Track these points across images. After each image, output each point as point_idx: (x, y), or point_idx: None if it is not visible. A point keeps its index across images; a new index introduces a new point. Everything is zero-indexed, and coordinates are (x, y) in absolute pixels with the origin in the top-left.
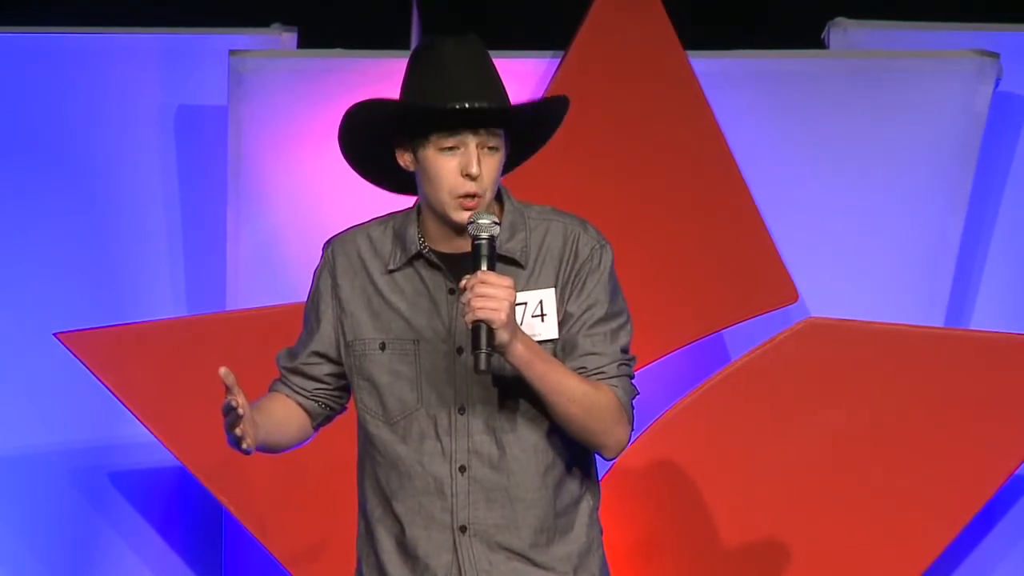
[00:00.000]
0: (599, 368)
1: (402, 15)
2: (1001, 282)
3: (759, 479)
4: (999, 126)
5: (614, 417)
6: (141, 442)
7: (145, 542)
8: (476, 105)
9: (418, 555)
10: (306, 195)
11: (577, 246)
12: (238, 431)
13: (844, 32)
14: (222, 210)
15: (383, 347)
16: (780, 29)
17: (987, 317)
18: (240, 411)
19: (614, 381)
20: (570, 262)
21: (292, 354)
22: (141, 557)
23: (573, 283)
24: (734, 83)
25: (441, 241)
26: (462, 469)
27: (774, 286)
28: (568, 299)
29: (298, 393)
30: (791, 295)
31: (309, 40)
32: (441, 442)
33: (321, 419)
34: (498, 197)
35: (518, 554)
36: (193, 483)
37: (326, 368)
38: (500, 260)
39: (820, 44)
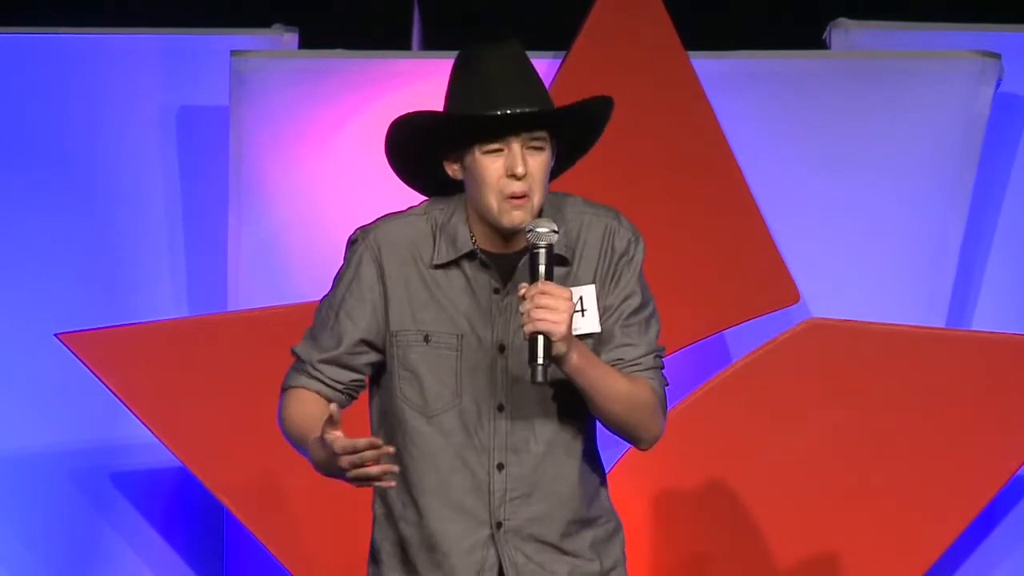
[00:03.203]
0: (636, 360)
1: (403, 15)
2: (1002, 283)
3: (760, 480)
4: (1000, 127)
5: (652, 411)
6: (142, 443)
7: (146, 542)
8: (515, 111)
9: (449, 550)
10: (307, 195)
11: (613, 240)
12: (377, 470)
13: (845, 33)
14: (223, 210)
15: (427, 339)
16: (781, 29)
17: (988, 318)
18: (368, 453)
19: (650, 374)
20: (608, 256)
21: (322, 345)
22: (142, 557)
23: (611, 276)
24: (736, 84)
25: (488, 241)
26: (499, 466)
27: (775, 287)
28: (606, 292)
29: (330, 386)
30: (792, 296)
31: (310, 40)
32: (479, 438)
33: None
34: None
35: (549, 544)
36: (194, 483)
37: (368, 357)
38: None
39: (821, 45)
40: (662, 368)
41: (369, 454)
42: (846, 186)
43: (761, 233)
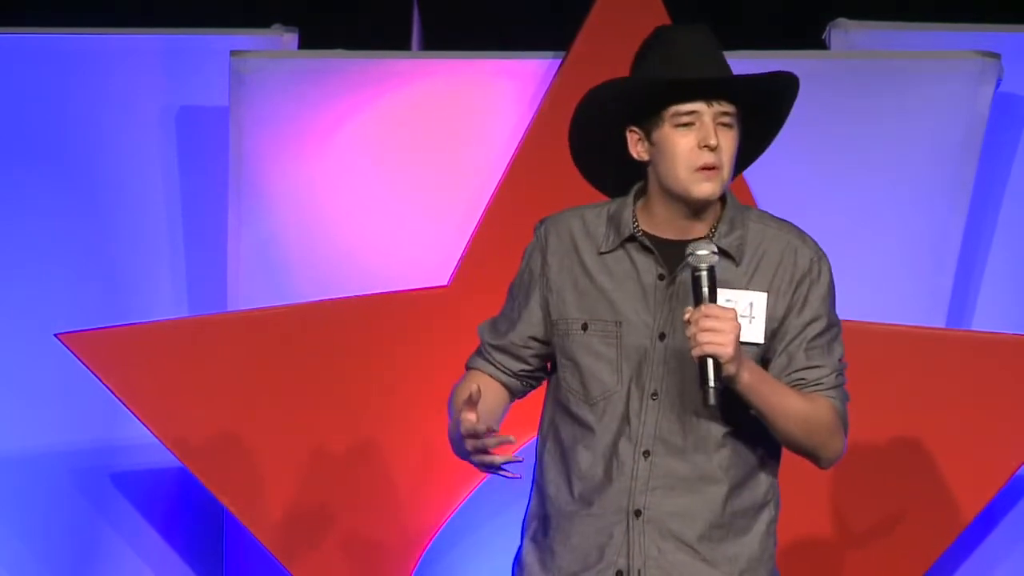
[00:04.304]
0: (818, 380)
1: (402, 16)
2: (1003, 283)
3: None
4: (1000, 127)
5: (831, 430)
6: (142, 443)
7: (146, 543)
8: (710, 76)
9: (586, 533)
10: (307, 195)
11: (796, 256)
12: (501, 458)
13: (845, 33)
14: (223, 211)
15: (585, 327)
16: (781, 30)
17: (988, 318)
18: (490, 441)
19: (832, 392)
20: (788, 271)
21: (498, 330)
22: (142, 558)
23: (795, 295)
24: None
25: (658, 227)
26: (646, 454)
27: None
28: (787, 310)
29: (502, 372)
30: None
31: (310, 41)
32: (630, 424)
33: (519, 396)
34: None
35: (687, 545)
36: (194, 484)
37: (536, 350)
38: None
39: (821, 45)
40: (844, 384)
41: (491, 441)
42: (846, 186)
43: None
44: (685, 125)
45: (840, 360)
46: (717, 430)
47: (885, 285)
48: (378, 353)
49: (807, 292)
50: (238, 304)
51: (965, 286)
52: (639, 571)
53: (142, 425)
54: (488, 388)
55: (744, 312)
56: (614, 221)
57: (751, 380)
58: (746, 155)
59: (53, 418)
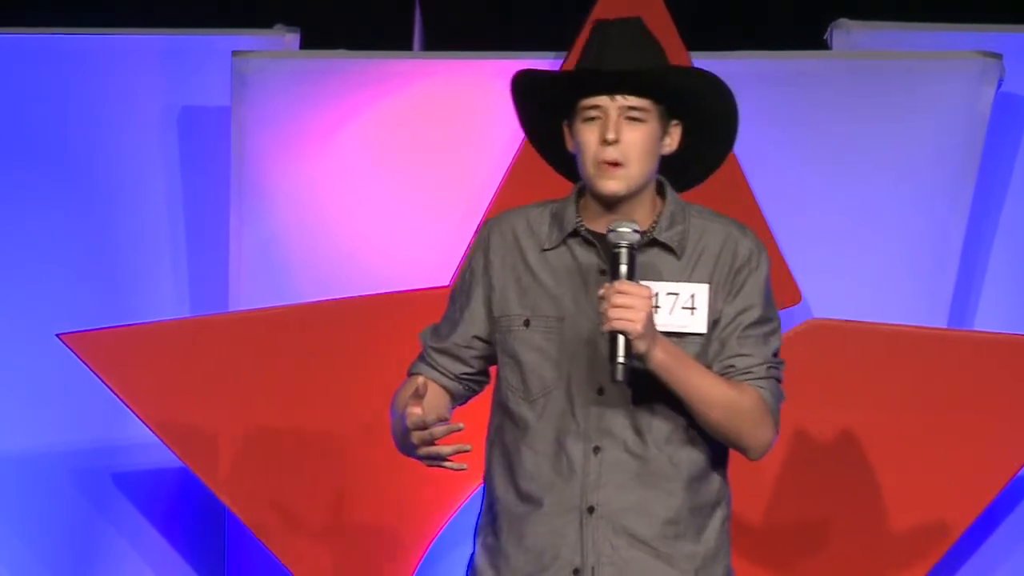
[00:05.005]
0: (748, 368)
1: (404, 16)
2: (1004, 283)
3: (761, 480)
4: (1002, 127)
5: (757, 419)
6: (144, 443)
7: (148, 543)
8: (600, 68)
9: (540, 533)
10: (309, 196)
11: (736, 248)
12: (449, 449)
13: (847, 33)
14: (225, 211)
15: (527, 324)
16: (782, 30)
17: (990, 318)
18: (438, 430)
19: (761, 383)
20: (728, 262)
21: (439, 334)
22: (144, 558)
23: (732, 284)
24: (736, 84)
25: (599, 221)
26: (596, 450)
27: (777, 287)
28: (724, 300)
29: (444, 375)
30: (794, 296)
31: (312, 41)
32: (577, 421)
33: (461, 401)
34: (660, 191)
35: (642, 542)
36: (196, 484)
37: (478, 351)
38: (658, 247)
39: (822, 45)
40: (779, 380)
41: (439, 430)
42: (847, 186)
43: (763, 233)
44: (591, 119)
45: (775, 355)
46: (668, 426)
47: (886, 285)
48: (378, 353)
49: (744, 280)
50: (239, 304)
51: (967, 286)
52: (592, 568)
53: (143, 425)
54: (430, 390)
55: (687, 304)
56: (557, 219)
57: (664, 359)
58: (706, 162)
59: (54, 418)
